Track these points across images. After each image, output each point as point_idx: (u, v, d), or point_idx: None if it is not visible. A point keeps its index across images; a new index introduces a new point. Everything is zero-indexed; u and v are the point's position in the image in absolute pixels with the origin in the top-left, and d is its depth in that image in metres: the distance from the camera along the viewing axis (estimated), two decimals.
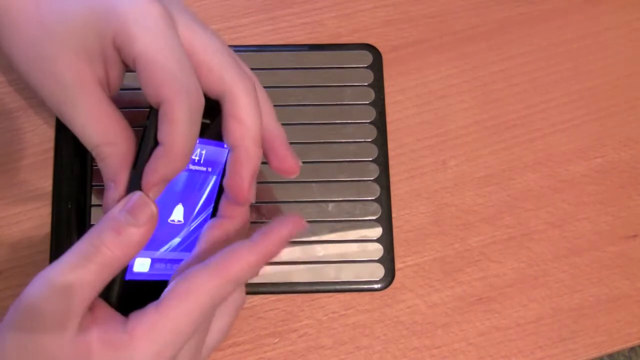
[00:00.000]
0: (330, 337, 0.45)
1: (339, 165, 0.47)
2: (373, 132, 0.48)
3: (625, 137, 0.50)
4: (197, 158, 0.37)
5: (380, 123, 0.48)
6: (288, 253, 0.45)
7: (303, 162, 0.46)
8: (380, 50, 0.50)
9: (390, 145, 0.48)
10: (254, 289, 0.45)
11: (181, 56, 0.34)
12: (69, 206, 0.45)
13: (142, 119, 0.36)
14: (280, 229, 0.34)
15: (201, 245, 0.36)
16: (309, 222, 0.45)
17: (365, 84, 0.49)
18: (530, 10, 0.52)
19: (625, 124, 0.50)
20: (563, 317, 0.46)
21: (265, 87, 0.39)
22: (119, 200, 0.34)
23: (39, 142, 0.47)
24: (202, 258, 0.35)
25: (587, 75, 0.51)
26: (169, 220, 0.37)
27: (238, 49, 0.48)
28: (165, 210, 0.36)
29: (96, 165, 0.45)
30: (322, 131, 0.48)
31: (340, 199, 0.46)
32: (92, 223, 0.45)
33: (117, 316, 0.33)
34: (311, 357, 0.45)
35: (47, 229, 0.45)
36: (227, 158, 0.38)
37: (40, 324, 0.31)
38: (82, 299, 0.32)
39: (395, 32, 0.51)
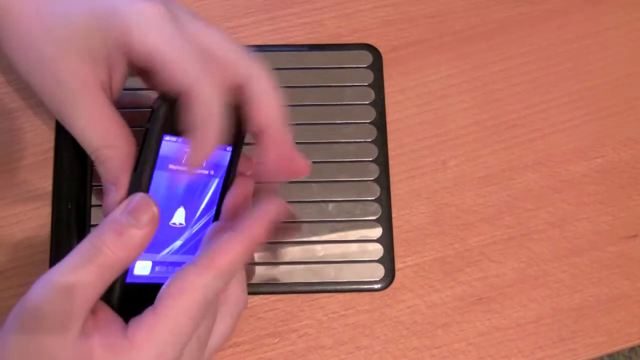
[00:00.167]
0: (330, 337, 0.45)
1: (339, 166, 0.47)
2: (373, 132, 0.48)
3: (625, 137, 0.50)
4: None
5: (380, 123, 0.48)
6: (288, 253, 0.45)
7: None
8: (380, 50, 0.50)
9: (390, 145, 0.48)
10: (254, 289, 0.45)
11: (190, 44, 0.34)
12: (69, 206, 0.45)
13: (142, 119, 0.36)
14: (261, 213, 0.35)
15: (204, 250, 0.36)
16: (309, 222, 0.46)
17: (365, 84, 0.49)
18: (530, 10, 0.52)
19: (625, 124, 0.50)
20: (563, 317, 0.46)
21: None
22: (120, 203, 0.34)
23: (39, 142, 0.47)
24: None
25: (587, 75, 0.51)
26: (170, 223, 0.37)
27: None
28: (166, 213, 0.36)
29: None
30: (322, 131, 0.48)
31: (341, 199, 0.46)
32: (92, 223, 0.45)
33: (119, 320, 0.33)
34: (311, 357, 0.45)
35: (47, 229, 0.45)
36: (229, 160, 0.38)
37: (42, 325, 0.31)
38: (84, 300, 0.32)
39: (395, 32, 0.51)
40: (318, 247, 0.45)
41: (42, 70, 0.35)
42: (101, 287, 0.32)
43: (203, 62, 0.34)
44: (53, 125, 0.47)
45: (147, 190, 0.35)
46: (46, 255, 0.45)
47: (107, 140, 0.35)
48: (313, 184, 0.46)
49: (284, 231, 0.46)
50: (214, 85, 0.34)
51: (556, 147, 0.49)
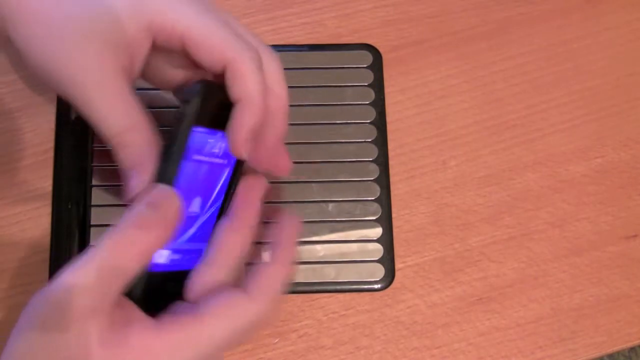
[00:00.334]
0: (330, 337, 0.45)
1: (339, 166, 0.47)
2: (373, 132, 0.48)
3: (625, 137, 0.50)
4: (217, 151, 0.37)
5: (380, 123, 0.48)
6: None
7: (303, 162, 0.47)
8: (380, 50, 0.50)
9: (390, 145, 0.48)
10: None
11: (222, 20, 0.35)
12: (69, 206, 0.45)
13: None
14: (289, 236, 0.35)
15: (215, 250, 0.36)
16: (309, 222, 0.46)
17: (365, 84, 0.49)
18: (530, 10, 0.52)
19: (625, 124, 0.50)
20: (563, 317, 0.46)
21: None
22: (143, 188, 0.34)
23: (39, 142, 0.47)
24: (219, 263, 0.35)
25: (587, 75, 0.51)
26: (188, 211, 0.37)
27: None
28: (186, 202, 0.36)
29: (96, 165, 0.46)
30: (322, 131, 0.48)
31: (341, 199, 0.46)
32: (92, 223, 0.45)
33: (147, 318, 0.33)
34: (311, 357, 0.45)
35: (47, 229, 0.45)
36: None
37: (65, 320, 0.31)
38: (107, 291, 0.31)
39: (395, 32, 0.51)
40: (318, 247, 0.45)
41: (60, 59, 0.35)
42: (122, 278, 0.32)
43: (238, 36, 0.35)
44: (53, 125, 0.47)
45: (174, 181, 0.35)
46: (46, 255, 0.45)
47: (128, 124, 0.35)
48: (313, 184, 0.47)
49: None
50: (251, 61, 0.35)
51: (556, 147, 0.49)
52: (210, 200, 0.38)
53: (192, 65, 0.37)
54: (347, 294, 0.46)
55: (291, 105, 0.48)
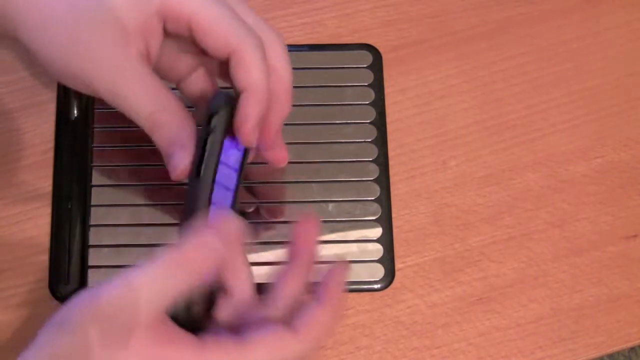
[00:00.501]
0: (330, 337, 0.45)
1: (339, 166, 0.47)
2: (373, 132, 0.48)
3: (625, 137, 0.50)
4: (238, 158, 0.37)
5: (380, 123, 0.48)
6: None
7: (303, 162, 0.47)
8: (380, 50, 0.50)
9: (390, 145, 0.48)
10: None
11: (227, 6, 0.36)
12: (69, 206, 0.45)
13: None
14: (339, 281, 0.35)
15: (273, 292, 0.36)
16: None
17: (365, 84, 0.49)
18: (530, 10, 0.52)
19: (625, 124, 0.50)
20: (563, 317, 0.46)
21: None
22: (189, 162, 0.35)
23: (39, 142, 0.47)
24: (274, 304, 0.35)
25: (587, 75, 0.51)
26: None
27: None
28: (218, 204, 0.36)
29: (96, 165, 0.46)
30: (322, 131, 0.48)
31: (340, 199, 0.46)
32: (92, 223, 0.45)
33: (189, 335, 0.33)
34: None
35: (47, 229, 0.45)
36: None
37: (112, 332, 0.30)
38: (157, 307, 0.31)
39: (395, 32, 0.51)
40: (318, 247, 0.45)
41: (77, 54, 0.35)
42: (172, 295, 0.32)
43: (243, 23, 0.35)
44: (53, 125, 0.47)
45: (211, 197, 0.35)
46: (46, 255, 0.45)
47: (159, 104, 0.35)
48: (313, 184, 0.46)
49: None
50: (256, 49, 0.35)
51: (556, 147, 0.49)
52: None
53: (201, 54, 0.38)
54: (347, 294, 0.46)
55: (292, 105, 0.48)
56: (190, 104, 0.40)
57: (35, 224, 0.45)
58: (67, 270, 0.44)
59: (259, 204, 0.46)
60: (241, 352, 0.32)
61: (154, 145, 0.46)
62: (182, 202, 0.45)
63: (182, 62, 0.39)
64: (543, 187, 0.48)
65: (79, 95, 0.47)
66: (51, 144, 0.47)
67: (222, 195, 0.35)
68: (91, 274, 0.44)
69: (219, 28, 0.35)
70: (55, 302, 0.44)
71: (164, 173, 0.46)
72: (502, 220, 0.48)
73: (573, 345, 0.46)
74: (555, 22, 0.52)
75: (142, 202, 0.45)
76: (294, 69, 0.48)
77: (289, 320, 0.34)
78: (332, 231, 0.46)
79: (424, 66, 0.50)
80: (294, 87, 0.48)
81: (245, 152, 0.37)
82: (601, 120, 0.50)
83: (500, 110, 0.50)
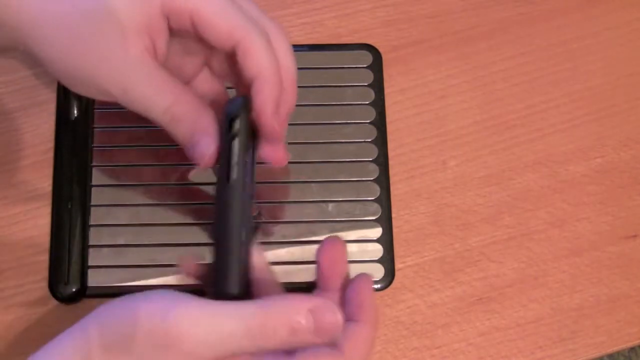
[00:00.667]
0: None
1: (339, 166, 0.47)
2: (373, 132, 0.48)
3: (625, 137, 0.50)
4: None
5: (380, 123, 0.48)
6: (288, 253, 0.45)
7: (303, 162, 0.47)
8: (380, 50, 0.50)
9: (390, 145, 0.48)
10: None
11: (229, 0, 0.36)
12: (69, 206, 0.45)
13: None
14: (370, 296, 0.36)
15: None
16: (309, 222, 0.46)
17: (365, 84, 0.49)
18: (530, 10, 0.52)
19: (625, 124, 0.50)
20: (563, 317, 0.46)
21: None
22: (215, 149, 0.35)
23: (39, 142, 0.47)
24: None
25: (587, 75, 0.51)
26: None
27: None
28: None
29: (96, 165, 0.46)
30: (322, 131, 0.48)
31: (340, 199, 0.46)
32: (92, 223, 0.45)
33: None
34: None
35: (47, 229, 0.45)
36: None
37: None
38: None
39: (395, 32, 0.51)
40: (318, 247, 0.45)
41: (88, 59, 0.35)
42: None
43: (245, 14, 0.36)
44: (53, 125, 0.47)
45: (243, 201, 0.35)
46: (46, 256, 0.45)
47: (174, 98, 0.36)
48: (313, 184, 0.46)
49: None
50: (261, 37, 0.35)
51: (556, 147, 0.49)
52: None
53: (207, 54, 0.38)
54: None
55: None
56: None
57: (35, 224, 0.45)
58: (67, 270, 0.44)
59: (259, 204, 0.46)
60: None
61: (154, 145, 0.46)
62: (182, 202, 0.45)
63: (188, 62, 0.39)
64: (543, 187, 0.48)
65: (79, 96, 0.47)
66: (51, 144, 0.47)
67: (247, 195, 0.36)
68: (91, 274, 0.44)
69: (221, 20, 0.35)
70: (55, 302, 0.44)
71: (164, 173, 0.46)
72: (502, 220, 0.48)
73: (573, 345, 0.46)
74: (555, 22, 0.52)
75: (142, 202, 0.45)
76: None
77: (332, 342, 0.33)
78: (332, 231, 0.46)
79: (424, 66, 0.50)
80: None
81: (254, 150, 0.37)
82: (601, 120, 0.50)
83: (500, 110, 0.50)
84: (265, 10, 0.50)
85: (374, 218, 0.46)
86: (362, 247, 0.46)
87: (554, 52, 0.51)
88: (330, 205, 0.46)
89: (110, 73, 0.35)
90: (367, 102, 0.48)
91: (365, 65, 0.49)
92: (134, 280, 0.44)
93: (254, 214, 0.46)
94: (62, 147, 0.46)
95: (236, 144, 0.35)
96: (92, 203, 0.45)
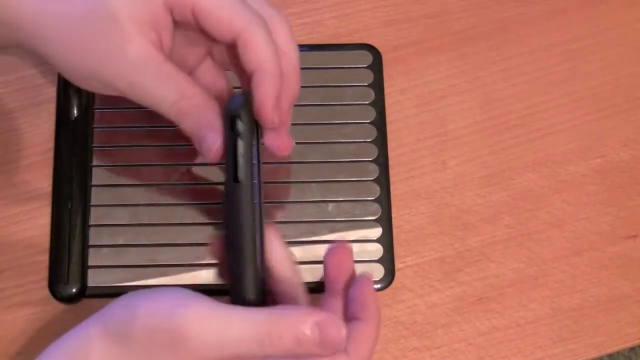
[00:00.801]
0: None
1: (338, 166, 0.47)
2: (373, 132, 0.48)
3: (625, 137, 0.50)
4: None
5: (380, 123, 0.48)
6: None
7: (303, 162, 0.47)
8: (380, 50, 0.50)
9: (390, 145, 0.48)
10: None
11: None
12: (69, 206, 0.45)
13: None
14: (372, 295, 0.36)
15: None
16: (308, 222, 0.46)
17: (365, 84, 0.49)
18: (530, 10, 0.52)
19: (625, 124, 0.50)
20: (563, 317, 0.46)
21: None
22: (219, 144, 0.35)
23: (39, 142, 0.47)
24: None
25: (587, 75, 0.51)
26: None
27: None
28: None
29: (96, 165, 0.46)
30: (322, 131, 0.48)
31: (340, 199, 0.46)
32: (91, 223, 0.45)
33: None
34: None
35: (47, 229, 0.45)
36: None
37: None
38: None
39: (395, 32, 0.51)
40: (318, 247, 0.45)
41: (92, 55, 0.36)
42: None
43: (245, 4, 0.36)
44: (53, 125, 0.47)
45: (254, 199, 0.35)
46: (46, 256, 0.45)
47: (183, 91, 0.36)
48: (313, 184, 0.46)
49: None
50: (262, 29, 0.36)
51: (556, 147, 0.49)
52: None
53: (209, 45, 0.39)
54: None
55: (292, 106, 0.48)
56: None
57: (35, 224, 0.45)
58: (67, 270, 0.44)
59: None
60: None
61: (154, 145, 0.46)
62: (183, 202, 0.45)
63: (191, 53, 0.40)
64: (543, 187, 0.48)
65: (79, 96, 0.47)
66: (51, 144, 0.47)
67: (257, 192, 0.36)
68: (91, 274, 0.44)
69: (222, 12, 0.35)
70: (55, 302, 0.44)
71: (164, 173, 0.46)
72: (502, 220, 0.48)
73: (573, 345, 0.46)
74: (555, 22, 0.52)
75: (142, 202, 0.45)
76: None
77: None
78: (332, 231, 0.46)
79: (424, 66, 0.50)
80: None
81: (258, 145, 0.37)
82: (601, 120, 0.50)
83: (500, 110, 0.50)
84: None
85: (374, 218, 0.46)
86: (362, 247, 0.46)
87: (554, 52, 0.51)
88: (330, 205, 0.46)
89: (115, 70, 0.36)
90: (367, 102, 0.48)
91: (365, 65, 0.49)
92: (134, 280, 0.44)
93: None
94: (62, 147, 0.46)
95: (240, 144, 0.35)
96: (92, 203, 0.45)
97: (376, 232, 0.46)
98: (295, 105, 0.47)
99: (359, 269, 0.45)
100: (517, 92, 0.50)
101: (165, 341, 0.31)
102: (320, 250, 0.45)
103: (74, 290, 0.44)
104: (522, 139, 0.49)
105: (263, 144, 0.38)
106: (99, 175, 0.46)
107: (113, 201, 0.45)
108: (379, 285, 0.45)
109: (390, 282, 0.45)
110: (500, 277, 0.47)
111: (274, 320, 0.31)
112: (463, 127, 0.49)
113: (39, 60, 0.48)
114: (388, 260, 0.46)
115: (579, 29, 0.52)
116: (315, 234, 0.46)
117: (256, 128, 0.37)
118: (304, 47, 0.49)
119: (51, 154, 0.46)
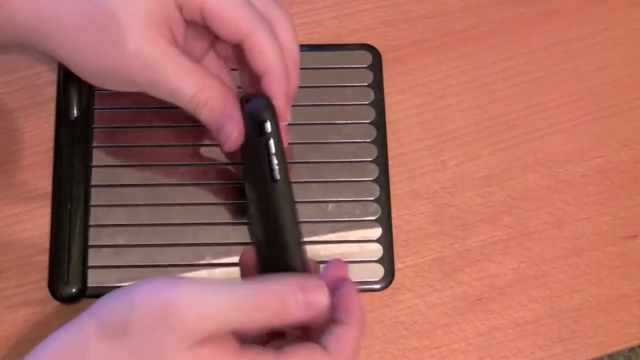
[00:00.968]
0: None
1: (338, 166, 0.47)
2: (373, 132, 0.48)
3: (625, 137, 0.50)
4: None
5: (380, 123, 0.48)
6: None
7: (303, 162, 0.47)
8: (380, 50, 0.50)
9: (390, 145, 0.48)
10: None
11: None
12: (69, 206, 0.45)
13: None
14: (356, 299, 0.36)
15: None
16: (308, 222, 0.46)
17: (365, 84, 0.49)
18: (530, 10, 0.52)
19: (625, 124, 0.50)
20: (563, 317, 0.46)
21: None
22: (238, 133, 0.37)
23: (39, 142, 0.47)
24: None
25: (587, 75, 0.51)
26: None
27: None
28: None
29: (96, 165, 0.46)
30: (322, 131, 0.48)
31: (340, 199, 0.46)
32: (91, 223, 0.45)
33: (233, 342, 0.33)
34: None
35: (47, 229, 0.45)
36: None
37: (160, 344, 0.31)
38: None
39: (395, 32, 0.51)
40: (318, 247, 0.45)
41: (110, 53, 0.36)
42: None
43: (251, 7, 0.37)
44: (53, 125, 0.47)
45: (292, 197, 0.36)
46: (46, 256, 0.45)
47: (201, 84, 0.37)
48: (313, 184, 0.46)
49: None
50: (268, 32, 0.37)
51: (556, 147, 0.49)
52: None
53: (213, 36, 0.39)
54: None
55: (291, 105, 0.48)
56: None
57: (35, 224, 0.45)
58: (67, 270, 0.44)
59: None
60: None
61: (154, 145, 0.46)
62: (183, 202, 0.45)
63: (197, 46, 0.40)
64: (543, 187, 0.48)
65: (79, 95, 0.47)
66: (51, 144, 0.47)
67: (292, 193, 0.37)
68: (91, 274, 0.44)
69: (229, 14, 0.36)
70: (55, 302, 0.44)
71: (164, 173, 0.46)
72: (502, 220, 0.48)
73: (573, 345, 0.46)
74: (555, 22, 0.52)
75: (142, 202, 0.45)
76: None
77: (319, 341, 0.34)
78: (332, 231, 0.46)
79: (424, 66, 0.50)
80: None
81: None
82: (601, 120, 0.50)
83: (500, 110, 0.50)
84: None
85: (373, 218, 0.46)
86: (362, 247, 0.46)
87: (554, 52, 0.51)
88: (330, 205, 0.46)
89: (136, 66, 0.37)
90: (367, 102, 0.48)
91: (365, 65, 0.49)
92: (133, 280, 0.44)
93: None
94: (62, 147, 0.46)
95: (272, 145, 0.36)
96: (92, 203, 0.45)
97: (376, 232, 0.46)
98: (295, 105, 0.47)
99: (359, 269, 0.45)
100: (517, 92, 0.50)
101: (161, 321, 0.31)
102: (320, 251, 0.45)
103: (73, 290, 0.44)
104: (522, 139, 0.49)
105: None
106: (99, 175, 0.46)
107: (113, 201, 0.45)
108: (378, 286, 0.45)
109: (390, 282, 0.45)
110: (500, 277, 0.47)
111: (260, 287, 0.33)
112: (463, 127, 0.49)
113: (39, 60, 0.48)
114: (388, 260, 0.46)
115: (579, 29, 0.52)
116: (315, 234, 0.46)
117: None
118: (304, 47, 0.49)
119: (51, 154, 0.46)
